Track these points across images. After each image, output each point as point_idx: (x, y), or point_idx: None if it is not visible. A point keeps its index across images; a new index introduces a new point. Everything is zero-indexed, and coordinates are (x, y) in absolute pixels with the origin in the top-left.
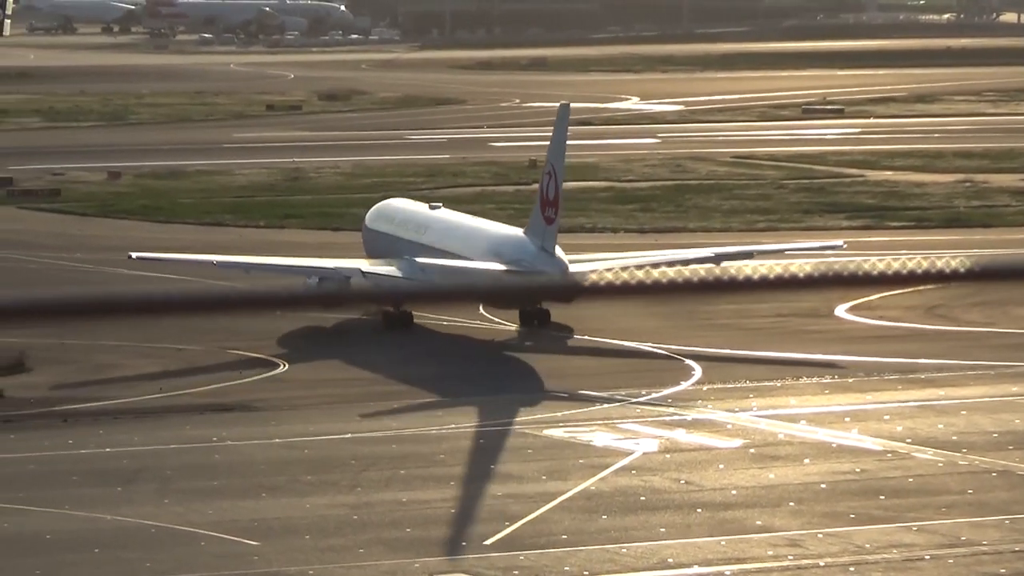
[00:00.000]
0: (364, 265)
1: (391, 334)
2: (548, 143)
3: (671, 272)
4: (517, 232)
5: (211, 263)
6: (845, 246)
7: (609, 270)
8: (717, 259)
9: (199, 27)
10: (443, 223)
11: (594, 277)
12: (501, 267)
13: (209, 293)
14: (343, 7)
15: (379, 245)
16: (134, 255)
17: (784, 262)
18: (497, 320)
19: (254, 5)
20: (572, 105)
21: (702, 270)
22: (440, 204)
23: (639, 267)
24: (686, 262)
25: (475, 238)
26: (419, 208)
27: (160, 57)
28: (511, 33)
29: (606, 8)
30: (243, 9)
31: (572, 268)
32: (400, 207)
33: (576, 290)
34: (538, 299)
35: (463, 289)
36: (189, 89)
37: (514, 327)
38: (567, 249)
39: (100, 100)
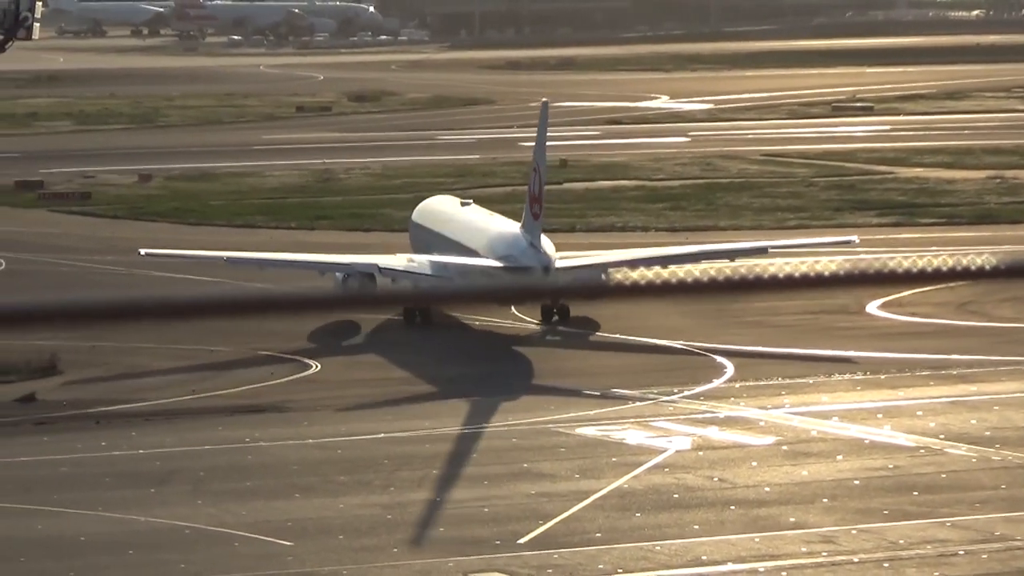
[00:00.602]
0: (381, 261)
1: (423, 333)
2: (580, 142)
3: (696, 271)
4: (514, 228)
5: (221, 259)
6: (859, 241)
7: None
8: (731, 255)
9: (228, 29)
10: (463, 220)
11: (619, 277)
12: (495, 263)
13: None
14: (372, 8)
15: (419, 240)
16: (143, 251)
17: (810, 260)
18: (525, 318)
19: (283, 7)
20: (601, 104)
21: (727, 269)
22: (471, 201)
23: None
24: (696, 257)
25: (480, 234)
26: (452, 205)
27: (189, 59)
28: (540, 33)
29: (635, 7)
30: (272, 11)
31: (559, 263)
32: (438, 204)
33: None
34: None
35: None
36: (219, 91)
37: (541, 325)
38: (599, 248)
39: (130, 103)
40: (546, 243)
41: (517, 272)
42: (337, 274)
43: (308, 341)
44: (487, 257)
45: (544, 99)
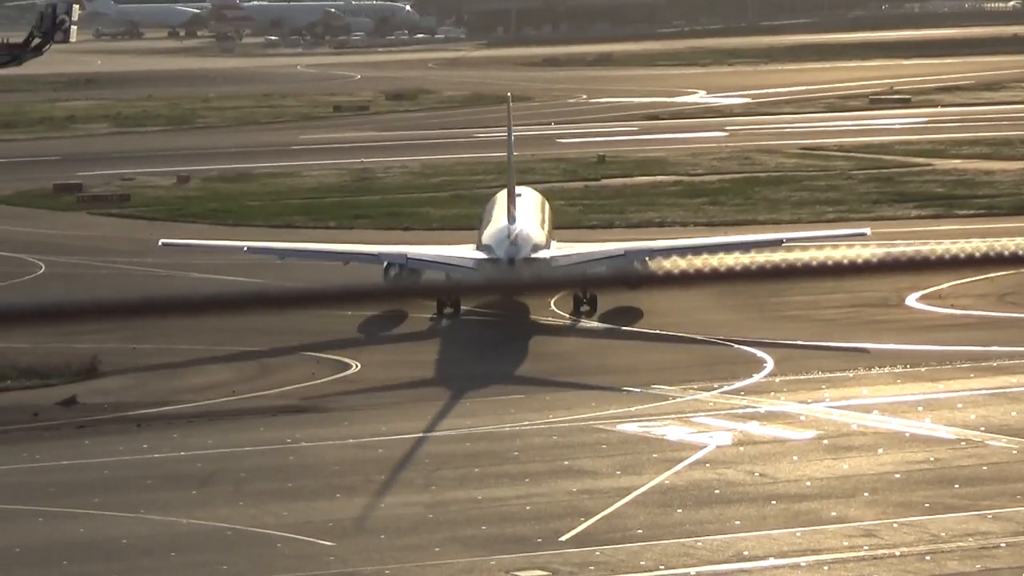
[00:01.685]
0: (410, 250)
1: (458, 329)
2: (618, 138)
3: (730, 260)
4: (514, 220)
5: (242, 249)
6: (870, 233)
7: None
8: (745, 247)
9: (265, 30)
10: (492, 211)
11: (652, 267)
12: (474, 255)
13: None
14: (408, 7)
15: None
16: (162, 242)
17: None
18: (563, 314)
19: (319, 6)
20: (639, 100)
21: (761, 258)
22: (521, 193)
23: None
24: (706, 249)
25: (490, 225)
26: (503, 196)
27: (226, 60)
28: (577, 29)
29: (671, 2)
30: (309, 11)
31: (551, 252)
32: (499, 196)
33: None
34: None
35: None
36: (256, 92)
37: (571, 317)
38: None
39: (167, 104)
40: (526, 234)
41: (489, 263)
42: (387, 265)
43: (348, 341)
44: (486, 248)
45: (508, 93)
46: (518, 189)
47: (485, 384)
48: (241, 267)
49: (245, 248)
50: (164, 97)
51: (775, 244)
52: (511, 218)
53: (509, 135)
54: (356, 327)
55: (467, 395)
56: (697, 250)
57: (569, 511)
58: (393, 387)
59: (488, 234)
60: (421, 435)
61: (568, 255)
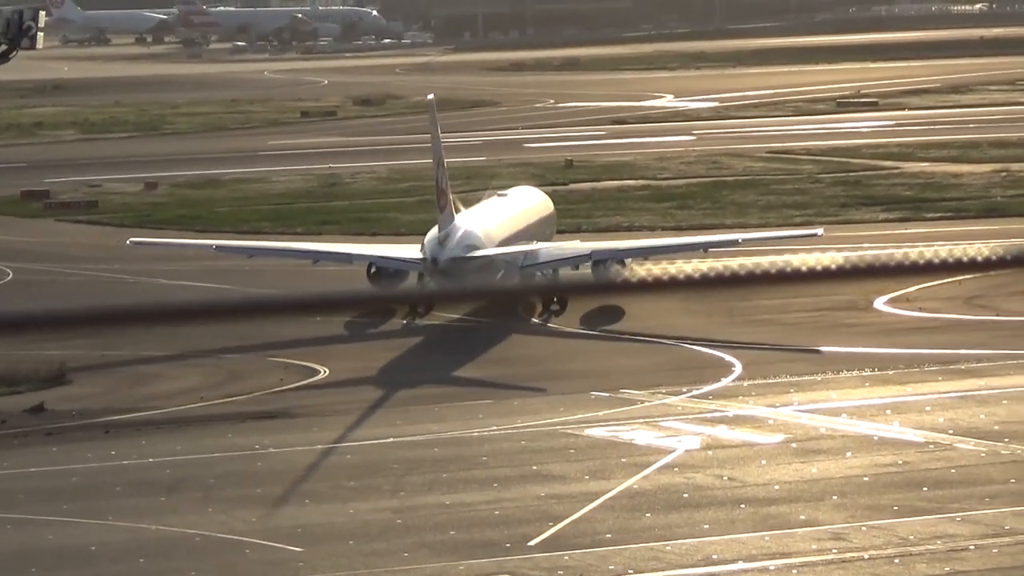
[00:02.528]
0: (377, 250)
1: (427, 334)
2: (585, 142)
3: (703, 267)
4: (465, 221)
5: (211, 247)
6: (822, 234)
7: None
8: (704, 247)
9: (232, 35)
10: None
11: (626, 274)
12: (412, 256)
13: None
14: (375, 12)
15: None
16: (131, 241)
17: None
18: (532, 317)
19: (286, 12)
20: (606, 104)
21: (735, 264)
22: (505, 192)
23: (581, 260)
24: (656, 251)
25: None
26: (488, 199)
27: (194, 66)
28: (544, 33)
29: (638, 6)
30: (276, 16)
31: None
32: (485, 198)
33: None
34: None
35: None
36: (223, 98)
37: (540, 316)
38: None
39: (135, 111)
40: (462, 236)
41: (421, 264)
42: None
43: (316, 347)
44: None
45: (430, 95)
46: (518, 189)
47: (454, 389)
48: (209, 273)
49: (214, 247)
50: (131, 103)
51: (732, 244)
52: (445, 220)
53: (435, 135)
54: (325, 331)
55: (435, 400)
56: (657, 251)
57: (538, 516)
58: (362, 392)
59: (428, 234)
60: (389, 440)
61: (508, 253)
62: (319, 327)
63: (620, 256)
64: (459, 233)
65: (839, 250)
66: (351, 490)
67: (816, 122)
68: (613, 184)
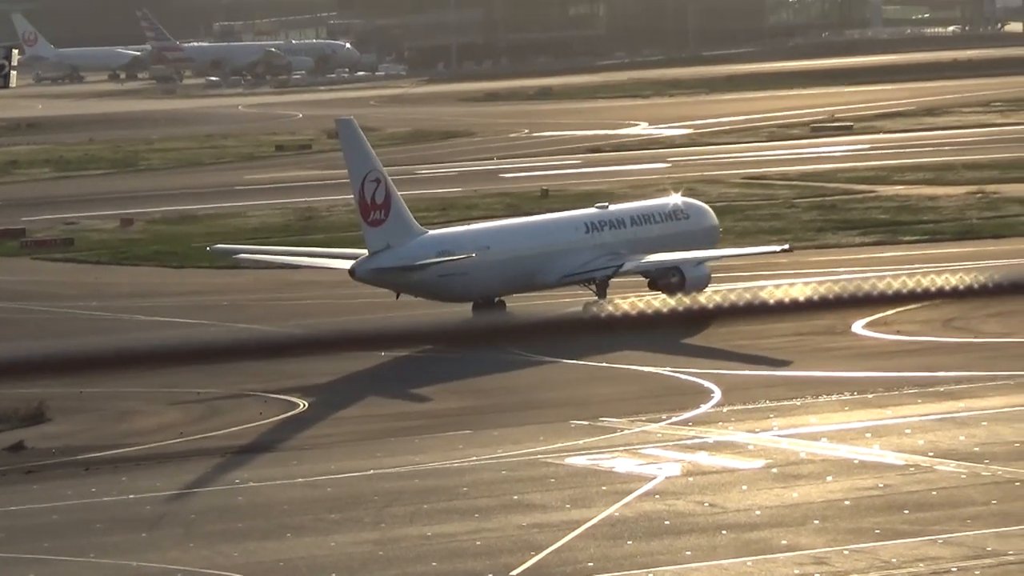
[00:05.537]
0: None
1: (404, 366)
2: (561, 171)
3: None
4: (426, 238)
5: (283, 257)
6: (790, 248)
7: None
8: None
9: (206, 70)
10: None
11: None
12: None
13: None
14: (349, 44)
15: None
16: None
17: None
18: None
19: (260, 46)
20: (581, 133)
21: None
22: (606, 204)
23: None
24: (647, 267)
25: None
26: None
27: (168, 102)
28: (518, 63)
29: (611, 34)
30: (249, 51)
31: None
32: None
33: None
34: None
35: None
36: (198, 133)
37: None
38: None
39: (110, 147)
40: (393, 251)
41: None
42: None
43: (294, 380)
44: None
45: (351, 117)
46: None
47: (434, 420)
48: (185, 309)
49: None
50: (106, 140)
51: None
52: (379, 235)
53: (359, 153)
54: (304, 365)
55: (415, 432)
56: (636, 270)
57: (519, 545)
58: (341, 425)
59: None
60: (370, 472)
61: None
62: (297, 360)
63: (651, 267)
64: (394, 250)
65: (815, 275)
66: (332, 523)
67: (791, 147)
68: None
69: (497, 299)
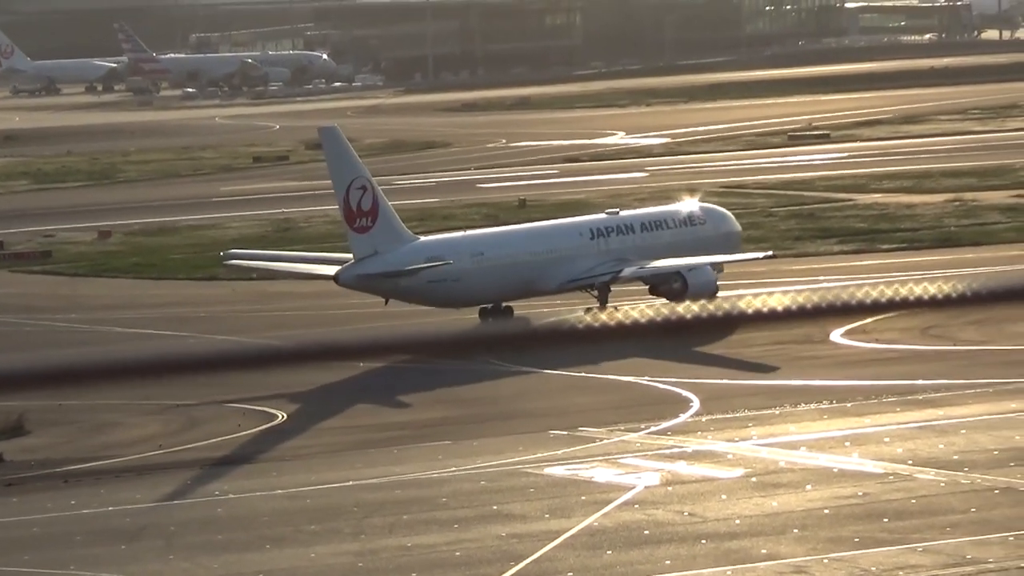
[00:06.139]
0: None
1: (383, 376)
2: (539, 181)
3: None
4: (416, 244)
5: (297, 266)
6: (773, 255)
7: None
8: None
9: (182, 82)
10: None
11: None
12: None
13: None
14: (325, 55)
15: None
16: (224, 259)
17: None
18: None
19: (236, 58)
20: (558, 143)
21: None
22: (616, 210)
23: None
24: (640, 275)
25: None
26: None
27: (145, 114)
28: (494, 73)
29: (588, 44)
30: (225, 62)
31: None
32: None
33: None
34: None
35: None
36: (175, 144)
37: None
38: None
39: (87, 160)
40: (380, 257)
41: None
42: None
43: (273, 392)
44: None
45: (335, 125)
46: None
47: (413, 431)
48: (164, 321)
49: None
50: (83, 152)
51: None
52: (366, 242)
53: (345, 161)
54: (282, 376)
55: (394, 442)
56: (634, 276)
57: (499, 556)
58: (320, 436)
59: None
60: (349, 483)
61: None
62: (273, 373)
63: (650, 273)
64: (377, 257)
65: (794, 283)
66: (312, 534)
67: (769, 156)
68: None
69: (504, 305)
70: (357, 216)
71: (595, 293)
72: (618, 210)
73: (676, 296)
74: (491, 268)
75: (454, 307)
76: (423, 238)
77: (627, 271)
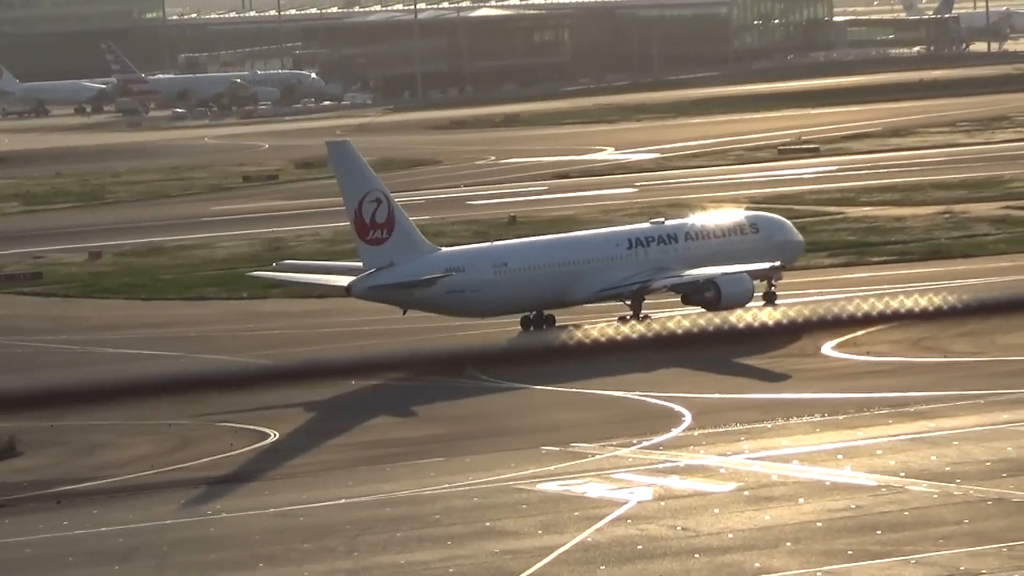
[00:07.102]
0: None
1: (376, 394)
2: (528, 198)
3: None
4: (429, 257)
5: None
6: (781, 265)
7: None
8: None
9: (172, 102)
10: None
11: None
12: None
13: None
14: (314, 74)
15: None
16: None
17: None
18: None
19: (225, 77)
20: (548, 159)
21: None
22: (661, 219)
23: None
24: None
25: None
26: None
27: (134, 135)
28: (483, 91)
29: (577, 60)
30: (214, 82)
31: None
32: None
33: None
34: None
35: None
36: (165, 165)
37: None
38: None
39: (77, 181)
40: (395, 268)
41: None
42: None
43: (265, 411)
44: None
45: (346, 139)
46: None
47: (404, 449)
48: (154, 341)
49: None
50: (73, 174)
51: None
52: (380, 254)
53: (358, 174)
54: (273, 395)
55: (387, 460)
56: (665, 286)
57: (493, 572)
58: (312, 454)
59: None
60: (342, 502)
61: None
62: (266, 392)
63: (680, 283)
64: (390, 271)
65: (784, 297)
66: (305, 552)
67: (758, 170)
68: None
69: (546, 314)
70: (371, 228)
71: (628, 303)
72: (663, 219)
73: (710, 305)
74: (514, 278)
75: (478, 316)
76: (444, 249)
77: (657, 281)
